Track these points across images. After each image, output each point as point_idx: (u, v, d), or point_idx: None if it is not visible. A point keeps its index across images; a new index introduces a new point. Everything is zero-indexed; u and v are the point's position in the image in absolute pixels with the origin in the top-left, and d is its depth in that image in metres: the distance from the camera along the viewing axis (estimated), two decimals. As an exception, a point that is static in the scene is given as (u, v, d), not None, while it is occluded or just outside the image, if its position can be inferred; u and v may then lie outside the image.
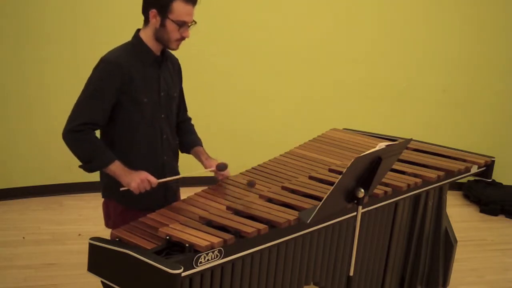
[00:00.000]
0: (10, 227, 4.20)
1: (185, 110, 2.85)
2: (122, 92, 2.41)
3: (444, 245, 3.46)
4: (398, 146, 2.49)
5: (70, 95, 4.63)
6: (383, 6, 5.21)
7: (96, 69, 2.45)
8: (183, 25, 2.41)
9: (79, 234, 4.11)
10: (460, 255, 3.89)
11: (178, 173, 2.71)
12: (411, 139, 2.70)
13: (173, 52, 2.63)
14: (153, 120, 2.52)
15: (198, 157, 2.77)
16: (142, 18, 4.88)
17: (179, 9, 2.38)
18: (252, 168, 3.02)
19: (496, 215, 5.23)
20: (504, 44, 5.48)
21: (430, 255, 3.43)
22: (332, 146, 3.44)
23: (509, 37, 5.47)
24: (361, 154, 2.25)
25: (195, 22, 2.45)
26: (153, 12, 2.42)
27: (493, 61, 5.51)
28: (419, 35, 5.34)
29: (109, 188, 2.57)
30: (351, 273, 2.53)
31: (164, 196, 2.62)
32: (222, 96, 4.94)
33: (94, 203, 4.71)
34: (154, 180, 2.43)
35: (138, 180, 2.39)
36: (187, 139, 2.80)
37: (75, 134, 2.39)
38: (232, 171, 2.94)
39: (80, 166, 2.47)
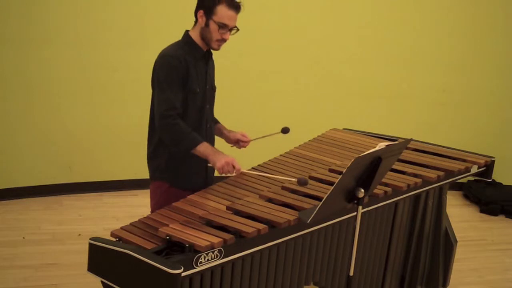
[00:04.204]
0: (10, 227, 4.20)
1: None
2: (184, 83, 2.70)
3: (444, 245, 3.46)
4: (398, 146, 2.50)
5: (72, 95, 4.67)
6: (384, 5, 5.21)
7: (160, 64, 2.70)
8: (224, 27, 2.69)
9: (79, 234, 4.11)
10: (460, 255, 3.89)
11: None
12: (411, 139, 2.70)
13: None
14: (201, 109, 2.80)
15: (220, 133, 3.08)
16: (144, 19, 4.91)
17: (222, 12, 2.68)
18: (252, 168, 3.02)
19: (496, 215, 5.23)
20: (503, 44, 5.48)
21: (430, 255, 3.43)
22: (332, 146, 3.44)
23: (508, 37, 5.47)
24: (361, 154, 2.25)
25: (238, 29, 2.75)
26: (200, 12, 2.72)
27: (493, 61, 5.51)
28: (419, 35, 5.34)
29: (158, 169, 2.82)
30: (351, 273, 2.53)
31: (204, 180, 2.86)
32: (221, 96, 4.93)
33: (94, 203, 4.72)
34: (238, 167, 2.71)
35: (223, 162, 2.66)
36: None
37: (166, 120, 2.64)
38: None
39: (170, 147, 2.74)
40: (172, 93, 2.66)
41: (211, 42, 2.74)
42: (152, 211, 2.82)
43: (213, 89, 2.92)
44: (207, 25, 2.70)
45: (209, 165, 2.67)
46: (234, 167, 2.68)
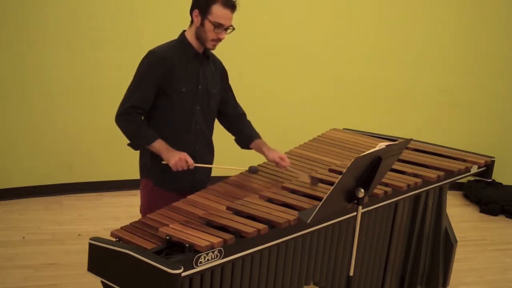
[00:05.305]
0: (10, 227, 4.20)
1: (236, 105, 3.09)
2: (165, 81, 2.70)
3: (444, 245, 3.46)
4: (398, 146, 2.50)
5: (72, 95, 4.67)
6: (383, 6, 5.21)
7: (143, 60, 2.73)
8: (219, 26, 2.67)
9: (79, 234, 4.11)
10: (460, 255, 3.89)
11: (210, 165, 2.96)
12: (411, 139, 2.70)
13: None
14: (189, 109, 2.78)
15: (259, 149, 2.98)
16: (140, 19, 4.90)
17: (217, 12, 2.65)
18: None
19: (496, 215, 5.23)
20: (504, 44, 5.48)
21: (430, 255, 3.43)
22: (332, 146, 3.44)
23: (509, 37, 5.47)
24: (361, 154, 2.25)
25: (233, 28, 2.72)
26: (195, 12, 2.70)
27: (493, 61, 5.51)
28: (419, 35, 5.34)
29: (145, 168, 2.86)
30: (351, 273, 2.53)
31: (190, 183, 2.84)
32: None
33: (94, 203, 4.72)
34: (191, 161, 2.68)
35: (177, 158, 2.65)
36: (244, 134, 3.03)
37: (124, 116, 2.70)
38: (232, 170, 2.94)
39: (128, 144, 2.78)
40: (141, 93, 2.68)
41: (206, 42, 2.72)
42: (141, 210, 2.88)
43: (208, 91, 2.83)
44: (202, 24, 2.68)
45: (163, 162, 2.69)
46: (187, 161, 2.67)
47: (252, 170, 2.93)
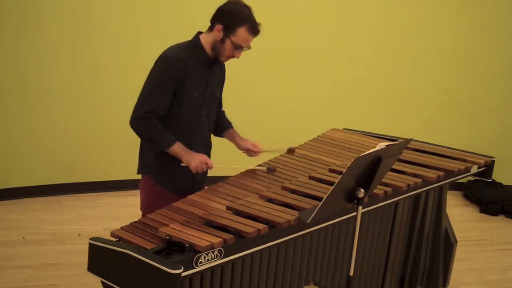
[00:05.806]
0: (10, 227, 4.19)
1: (221, 104, 3.10)
2: (178, 85, 2.68)
3: (444, 245, 3.46)
4: (398, 146, 2.50)
5: (72, 95, 4.67)
6: (383, 6, 5.21)
7: (157, 63, 2.70)
8: (238, 48, 2.70)
9: (79, 234, 4.11)
10: (460, 255, 3.89)
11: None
12: (411, 139, 2.70)
13: None
14: (197, 114, 2.78)
15: (232, 138, 3.04)
16: (139, 20, 4.89)
17: (241, 35, 2.67)
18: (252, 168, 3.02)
19: (496, 215, 5.23)
20: (504, 44, 5.48)
21: (430, 255, 3.43)
22: (332, 146, 3.44)
23: (509, 37, 5.47)
24: (361, 154, 2.25)
25: (250, 47, 2.74)
26: (219, 26, 2.68)
27: (493, 61, 5.51)
28: (419, 35, 5.34)
29: (145, 165, 2.84)
30: (351, 273, 2.53)
31: (190, 183, 2.83)
32: (224, 97, 4.93)
33: (94, 203, 4.72)
34: (211, 164, 2.72)
35: (197, 161, 2.68)
36: (219, 123, 3.04)
37: (140, 121, 2.66)
38: (233, 171, 2.94)
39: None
40: (158, 98, 2.66)
41: (221, 56, 2.73)
42: (141, 208, 2.88)
43: (213, 95, 2.86)
44: (223, 41, 2.68)
45: (182, 164, 2.69)
46: (207, 164, 2.70)
47: (271, 170, 2.96)
